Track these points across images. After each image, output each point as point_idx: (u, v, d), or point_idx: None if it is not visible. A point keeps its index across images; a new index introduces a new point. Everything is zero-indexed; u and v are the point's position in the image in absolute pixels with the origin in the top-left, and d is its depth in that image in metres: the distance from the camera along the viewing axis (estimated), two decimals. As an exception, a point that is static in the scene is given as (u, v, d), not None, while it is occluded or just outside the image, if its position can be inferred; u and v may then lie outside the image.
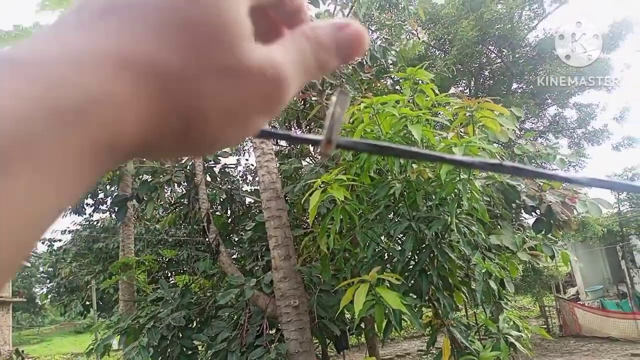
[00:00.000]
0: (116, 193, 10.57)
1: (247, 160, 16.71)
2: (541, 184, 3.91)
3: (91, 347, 4.17)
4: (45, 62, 0.19)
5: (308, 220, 5.85)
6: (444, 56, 15.42)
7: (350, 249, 3.99)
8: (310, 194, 3.43)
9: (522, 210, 4.05)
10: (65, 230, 16.33)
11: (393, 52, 5.78)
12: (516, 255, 3.46)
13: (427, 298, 3.52)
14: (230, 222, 5.30)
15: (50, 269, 23.71)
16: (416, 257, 3.67)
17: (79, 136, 0.18)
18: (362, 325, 4.68)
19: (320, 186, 3.41)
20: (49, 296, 24.56)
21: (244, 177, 11.58)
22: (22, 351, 17.76)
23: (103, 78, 0.19)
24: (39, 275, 29.89)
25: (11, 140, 0.16)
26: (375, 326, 2.92)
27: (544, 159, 4.40)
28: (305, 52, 0.26)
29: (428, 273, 3.45)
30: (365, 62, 6.01)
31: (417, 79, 3.78)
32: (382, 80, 6.69)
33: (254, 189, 6.54)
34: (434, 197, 3.71)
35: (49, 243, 17.57)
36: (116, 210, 4.87)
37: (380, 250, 3.84)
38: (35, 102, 0.17)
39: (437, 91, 3.84)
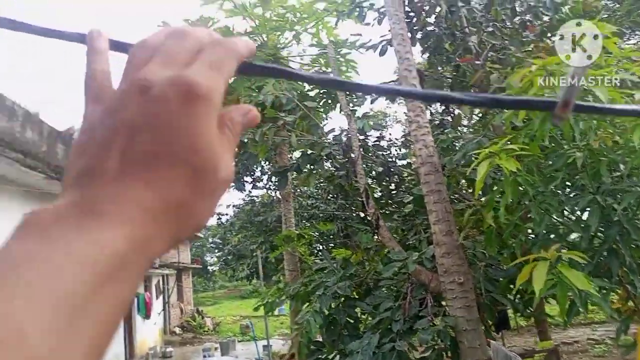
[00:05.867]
0: (275, 166, 11.43)
1: (390, 134, 16.59)
2: None
3: (260, 303, 4.66)
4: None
5: (465, 193, 5.60)
6: (618, 6, 13.26)
7: (518, 224, 3.72)
8: (477, 166, 3.25)
9: None
10: (229, 205, 18.29)
11: (566, 8, 5.11)
12: None
13: (617, 280, 3.12)
14: (385, 195, 5.32)
15: (219, 240, 26.83)
16: (601, 235, 3.27)
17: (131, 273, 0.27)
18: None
19: (487, 156, 3.21)
20: (218, 263, 27.87)
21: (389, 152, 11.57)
22: (202, 310, 20.59)
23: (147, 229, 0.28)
24: (209, 245, 33.94)
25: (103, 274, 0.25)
26: (558, 308, 2.67)
27: None
28: (230, 140, 0.34)
29: (619, 252, 3.04)
30: (529, 21, 5.44)
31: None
32: (547, 40, 6.02)
33: (407, 162, 6.45)
34: (621, 166, 3.26)
35: (218, 216, 19.83)
36: (277, 180, 5.22)
37: (553, 225, 3.50)
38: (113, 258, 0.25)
39: (621, 46, 3.30)
